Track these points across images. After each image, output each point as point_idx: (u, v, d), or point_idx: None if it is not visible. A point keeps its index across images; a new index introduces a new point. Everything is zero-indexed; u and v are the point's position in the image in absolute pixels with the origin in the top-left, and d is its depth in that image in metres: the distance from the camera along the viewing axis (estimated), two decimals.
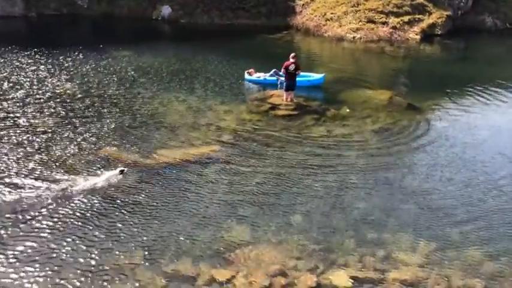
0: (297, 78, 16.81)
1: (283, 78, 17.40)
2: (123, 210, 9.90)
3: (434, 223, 9.95)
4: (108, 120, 14.66)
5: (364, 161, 12.72)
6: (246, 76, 19.46)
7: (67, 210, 9.75)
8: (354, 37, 29.03)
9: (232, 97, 17.62)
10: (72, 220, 9.46)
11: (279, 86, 17.93)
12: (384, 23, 29.64)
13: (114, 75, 19.52)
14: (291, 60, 16.52)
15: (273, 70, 18.91)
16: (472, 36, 30.44)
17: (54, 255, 8.42)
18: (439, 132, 14.87)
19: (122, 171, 11.28)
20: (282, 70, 16.83)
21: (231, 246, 8.90)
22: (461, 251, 9.04)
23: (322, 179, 11.59)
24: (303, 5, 32.20)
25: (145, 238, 9.03)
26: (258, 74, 19.36)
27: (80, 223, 9.39)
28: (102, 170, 11.51)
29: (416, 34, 29.33)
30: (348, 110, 16.22)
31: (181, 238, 9.08)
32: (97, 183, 10.85)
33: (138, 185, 10.92)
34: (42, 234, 8.97)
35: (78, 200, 10.15)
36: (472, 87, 19.67)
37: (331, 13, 30.58)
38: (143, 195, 10.51)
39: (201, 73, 20.42)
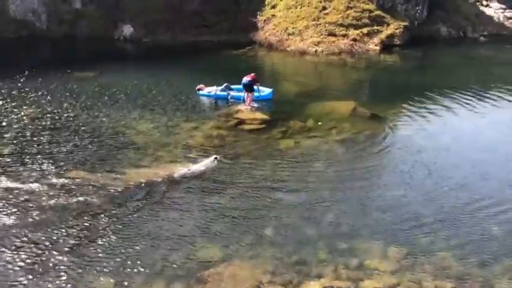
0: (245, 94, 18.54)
1: (232, 93, 18.95)
2: (94, 232, 9.67)
3: (404, 229, 10.13)
4: (72, 143, 14.36)
5: (332, 172, 12.86)
6: (198, 92, 19.77)
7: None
8: (316, 50, 29.49)
9: (198, 114, 17.58)
10: None
11: (229, 100, 18.86)
12: (344, 36, 30.23)
13: (77, 97, 19.14)
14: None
15: (225, 84, 19.29)
16: (428, 45, 31.39)
17: None
18: (403, 140, 15.20)
19: (215, 158, 12.76)
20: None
21: (204, 265, 8.81)
22: (431, 255, 9.23)
23: (293, 192, 11.64)
24: (265, 20, 32.54)
25: (115, 261, 8.83)
26: (210, 89, 19.61)
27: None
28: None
29: (376, 45, 30.04)
30: (319, 123, 16.39)
31: (153, 259, 8.92)
32: (198, 170, 12.37)
33: (106, 206, 10.70)
34: None
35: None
36: (431, 95, 20.25)
37: (293, 28, 30.99)
38: (111, 217, 10.30)
39: (166, 91, 20.26)
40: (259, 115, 17.22)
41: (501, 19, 37.40)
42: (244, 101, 18.32)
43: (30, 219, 10.13)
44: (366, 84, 24.31)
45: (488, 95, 20.27)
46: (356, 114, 17.46)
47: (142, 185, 11.71)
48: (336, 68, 27.59)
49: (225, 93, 19.17)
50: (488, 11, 37.97)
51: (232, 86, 19.38)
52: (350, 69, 27.28)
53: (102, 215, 10.39)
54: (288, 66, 28.59)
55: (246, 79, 18.21)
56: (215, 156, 12.97)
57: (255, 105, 18.29)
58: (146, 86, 21.06)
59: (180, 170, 12.39)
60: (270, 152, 14.17)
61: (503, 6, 39.20)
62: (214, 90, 19.44)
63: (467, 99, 19.71)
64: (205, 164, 12.69)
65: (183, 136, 15.14)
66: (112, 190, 11.42)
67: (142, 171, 12.45)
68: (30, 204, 10.69)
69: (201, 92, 19.69)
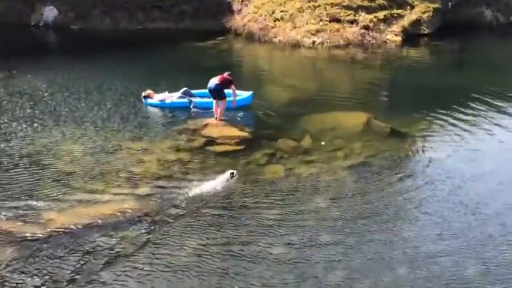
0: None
1: (195, 100, 19.26)
2: None
3: None
4: None
5: (337, 211, 12.86)
6: (146, 100, 19.84)
7: None
8: (313, 42, 29.83)
9: (149, 130, 17.54)
10: None
11: (192, 109, 19.18)
12: (352, 22, 30.65)
13: None
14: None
15: (183, 89, 19.51)
16: (467, 35, 32.01)
17: None
18: (434, 165, 15.31)
19: (232, 174, 14.11)
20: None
21: None
22: None
23: (284, 238, 11.58)
24: (243, 1, 32.83)
25: None
26: (161, 96, 19.71)
27: None
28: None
29: (395, 35, 30.54)
30: (323, 143, 16.47)
31: None
32: (215, 187, 13.61)
33: (17, 264, 10.52)
34: None
35: None
36: (472, 102, 20.56)
37: (281, 11, 31.33)
38: (23, 273, 10.12)
39: (104, 99, 20.20)
40: (235, 131, 17.27)
41: None
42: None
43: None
44: (383, 88, 24.58)
45: None
46: (370, 130, 17.65)
47: (69, 230, 11.55)
48: (342, 66, 27.93)
49: (185, 100, 19.26)
50: None
51: (193, 91, 19.49)
52: (361, 68, 27.65)
53: (13, 273, 10.21)
54: (275, 64, 28.84)
55: (213, 82, 18.01)
56: (231, 171, 14.15)
57: (240, 115, 18.61)
58: (76, 91, 20.98)
59: (192, 189, 13.49)
60: (252, 183, 14.16)
61: None
62: (168, 97, 19.49)
63: None
64: (219, 181, 13.83)
65: (127, 162, 15.05)
66: (24, 241, 11.22)
67: (69, 213, 12.29)
68: None
69: (149, 101, 19.68)
